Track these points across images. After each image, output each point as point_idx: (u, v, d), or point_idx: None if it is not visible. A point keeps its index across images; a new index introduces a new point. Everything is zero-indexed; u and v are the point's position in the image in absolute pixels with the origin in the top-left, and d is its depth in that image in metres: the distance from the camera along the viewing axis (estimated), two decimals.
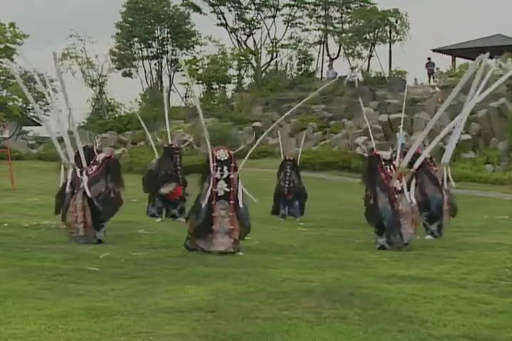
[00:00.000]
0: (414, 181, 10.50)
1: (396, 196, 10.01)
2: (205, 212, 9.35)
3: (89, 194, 10.27)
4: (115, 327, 5.14)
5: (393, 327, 5.22)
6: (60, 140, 13.23)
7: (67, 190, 10.58)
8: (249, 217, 9.70)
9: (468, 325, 5.31)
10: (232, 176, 9.38)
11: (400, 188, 10.05)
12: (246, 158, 10.08)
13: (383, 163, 10.21)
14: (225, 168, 9.40)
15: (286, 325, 5.26)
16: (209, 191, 9.36)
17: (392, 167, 10.25)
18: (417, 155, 10.61)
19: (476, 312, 5.77)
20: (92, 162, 10.71)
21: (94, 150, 12.42)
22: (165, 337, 4.96)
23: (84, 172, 10.49)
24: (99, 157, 10.83)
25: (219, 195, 9.37)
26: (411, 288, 6.79)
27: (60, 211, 12.03)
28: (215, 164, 9.41)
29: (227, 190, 9.36)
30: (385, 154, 10.44)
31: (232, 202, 9.36)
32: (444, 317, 5.55)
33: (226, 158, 9.45)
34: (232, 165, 9.45)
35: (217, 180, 9.39)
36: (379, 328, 5.21)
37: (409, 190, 10.18)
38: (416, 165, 10.47)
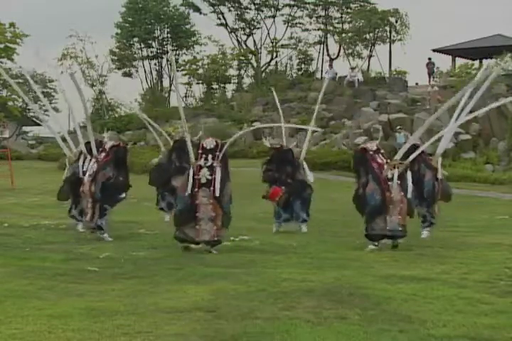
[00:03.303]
0: (410, 174, 10.55)
1: (389, 183, 10.08)
2: (188, 200, 9.58)
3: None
4: (115, 327, 5.14)
5: (393, 327, 5.23)
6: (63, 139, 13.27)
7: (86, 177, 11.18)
8: (229, 207, 9.82)
9: (468, 325, 5.31)
10: (215, 164, 9.60)
11: (390, 176, 10.11)
12: (227, 145, 10.01)
13: (371, 153, 10.32)
14: (210, 157, 9.65)
15: (286, 325, 5.26)
16: (191, 179, 9.58)
17: (381, 156, 10.35)
18: (414, 147, 10.71)
19: (476, 312, 5.77)
20: (101, 150, 11.25)
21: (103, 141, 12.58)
22: (165, 337, 4.96)
23: (94, 160, 11.13)
24: (108, 145, 11.32)
25: (201, 182, 9.59)
26: (411, 288, 6.79)
27: (66, 198, 12.28)
28: (200, 152, 9.68)
29: (209, 177, 9.57)
30: (371, 145, 10.57)
31: (212, 188, 9.55)
32: (444, 317, 5.55)
33: (212, 146, 9.70)
34: (217, 153, 9.66)
35: (201, 167, 9.63)
36: (379, 328, 5.21)
37: (402, 180, 10.25)
38: (411, 158, 10.52)
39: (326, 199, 17.71)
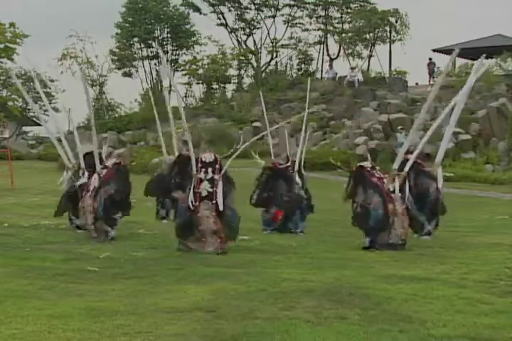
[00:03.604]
0: (407, 184, 10.60)
1: (392, 195, 10.10)
2: (187, 212, 9.63)
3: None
4: (115, 327, 5.15)
5: (393, 327, 5.23)
6: (60, 140, 13.27)
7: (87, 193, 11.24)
8: (237, 219, 9.76)
9: (468, 325, 5.31)
10: (215, 177, 9.67)
11: (392, 189, 10.15)
12: (231, 159, 10.24)
13: (368, 170, 10.43)
14: (210, 170, 9.74)
15: (286, 325, 5.26)
16: (191, 192, 9.64)
17: (378, 172, 10.45)
18: (405, 160, 10.74)
19: (476, 312, 5.77)
20: (102, 166, 11.30)
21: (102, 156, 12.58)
22: (165, 337, 4.96)
23: (95, 176, 11.17)
24: (109, 162, 11.48)
25: (202, 195, 9.65)
26: (411, 288, 6.80)
27: (61, 214, 12.32)
28: (200, 165, 9.77)
29: (211, 190, 9.65)
30: (367, 163, 10.68)
31: (214, 201, 9.61)
32: (444, 317, 5.55)
33: (211, 160, 9.82)
34: (217, 166, 9.77)
35: (201, 180, 9.69)
36: (379, 328, 5.21)
37: (402, 192, 10.28)
38: (406, 168, 10.56)
39: (326, 199, 17.68)
